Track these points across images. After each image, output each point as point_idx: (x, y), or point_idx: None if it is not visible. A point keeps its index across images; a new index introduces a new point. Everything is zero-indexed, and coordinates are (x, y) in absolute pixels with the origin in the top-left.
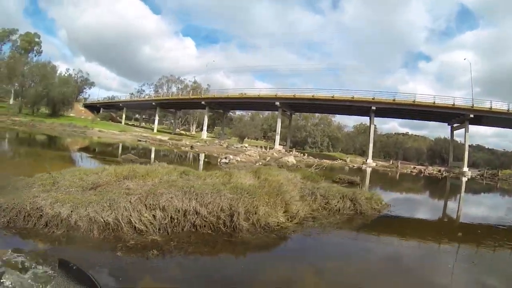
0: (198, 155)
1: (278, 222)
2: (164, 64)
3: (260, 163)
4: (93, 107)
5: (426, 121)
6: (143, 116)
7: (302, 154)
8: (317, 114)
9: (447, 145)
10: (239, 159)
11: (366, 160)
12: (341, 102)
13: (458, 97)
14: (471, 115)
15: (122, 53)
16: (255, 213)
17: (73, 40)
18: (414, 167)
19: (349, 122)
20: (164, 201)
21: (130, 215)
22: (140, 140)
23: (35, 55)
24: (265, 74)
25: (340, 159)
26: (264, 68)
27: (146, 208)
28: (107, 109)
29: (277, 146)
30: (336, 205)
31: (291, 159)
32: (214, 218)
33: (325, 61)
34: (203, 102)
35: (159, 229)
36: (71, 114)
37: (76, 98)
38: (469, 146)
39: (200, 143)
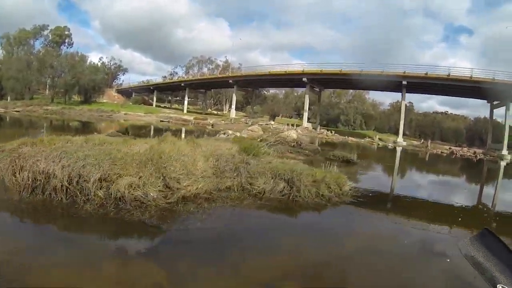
0: (209, 132)
1: (143, 196)
2: (198, 46)
3: (260, 139)
4: (126, 92)
5: (467, 99)
6: (177, 98)
7: (329, 132)
8: (350, 91)
9: (487, 126)
10: (239, 135)
11: (397, 139)
12: (369, 77)
13: (499, 71)
14: None
15: (156, 38)
16: (113, 183)
17: (107, 29)
18: (450, 148)
19: (386, 99)
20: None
21: None
22: (162, 121)
23: (67, 47)
24: (303, 52)
25: (369, 137)
26: (301, 45)
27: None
28: (139, 93)
29: (305, 124)
30: (260, 186)
31: (292, 133)
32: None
33: (363, 36)
34: (230, 81)
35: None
36: (104, 100)
37: (110, 85)
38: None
39: (225, 122)
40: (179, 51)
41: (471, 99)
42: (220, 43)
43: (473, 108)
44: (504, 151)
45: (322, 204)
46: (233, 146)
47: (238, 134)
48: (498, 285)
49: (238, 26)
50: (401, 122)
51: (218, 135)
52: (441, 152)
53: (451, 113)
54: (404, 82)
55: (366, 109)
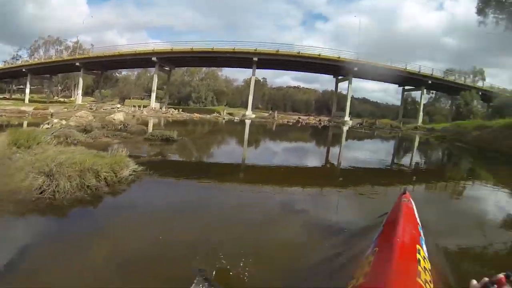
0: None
1: None
2: (52, 25)
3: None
4: None
5: (318, 75)
6: (19, 86)
7: (176, 110)
8: (204, 69)
9: (333, 97)
10: (64, 123)
11: (246, 112)
12: (221, 54)
13: (344, 51)
14: (355, 68)
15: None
16: None
17: None
18: (299, 118)
19: (241, 76)
20: None
21: None
22: None
23: None
24: (161, 32)
25: (217, 113)
26: (160, 25)
27: None
28: None
29: (153, 104)
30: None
31: (119, 116)
32: None
33: (226, 18)
34: (77, 64)
35: None
36: None
37: None
38: (356, 99)
39: (68, 109)
40: (29, 30)
41: (321, 74)
42: (77, 22)
43: (323, 83)
44: (346, 118)
45: (79, 199)
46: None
47: (64, 122)
48: None
49: (97, 3)
50: (250, 96)
51: (42, 125)
52: (288, 121)
53: (303, 87)
54: (255, 59)
55: (219, 85)
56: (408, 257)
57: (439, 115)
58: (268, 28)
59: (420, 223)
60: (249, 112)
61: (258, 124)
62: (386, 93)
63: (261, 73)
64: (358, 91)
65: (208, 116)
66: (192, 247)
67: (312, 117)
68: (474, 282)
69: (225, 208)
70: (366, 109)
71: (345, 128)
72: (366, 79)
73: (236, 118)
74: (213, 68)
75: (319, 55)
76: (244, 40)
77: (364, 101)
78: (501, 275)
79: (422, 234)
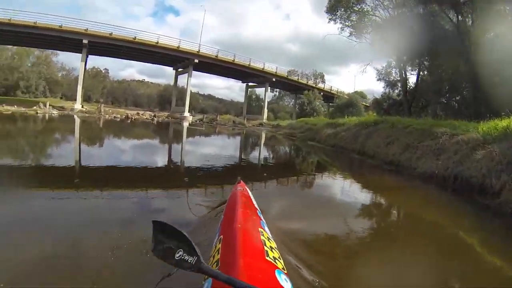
0: None
1: None
2: None
3: None
4: None
5: (164, 68)
6: None
7: None
8: (36, 52)
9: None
10: None
11: (75, 106)
12: (46, 31)
13: (184, 40)
14: (196, 60)
15: None
16: None
17: None
18: (138, 113)
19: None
20: None
21: None
22: None
23: None
24: None
25: (41, 104)
26: None
27: None
28: None
29: None
30: None
31: None
32: None
33: None
34: None
35: None
36: None
37: None
38: (202, 95)
39: None
40: None
41: (167, 67)
42: None
43: (169, 77)
44: (186, 113)
45: None
46: None
47: None
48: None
49: None
50: (78, 86)
51: None
52: (115, 116)
53: (148, 81)
54: (85, 41)
55: (52, 73)
56: (252, 240)
57: (283, 112)
58: (115, 13)
59: (258, 208)
60: (78, 105)
61: (83, 119)
62: (231, 90)
63: (104, 64)
64: (203, 87)
65: (28, 108)
66: None
67: (148, 112)
68: None
69: None
70: (211, 105)
71: (185, 124)
72: (208, 72)
73: (53, 112)
74: (45, 51)
75: (157, 42)
76: (74, 18)
77: (210, 97)
78: None
79: (262, 218)
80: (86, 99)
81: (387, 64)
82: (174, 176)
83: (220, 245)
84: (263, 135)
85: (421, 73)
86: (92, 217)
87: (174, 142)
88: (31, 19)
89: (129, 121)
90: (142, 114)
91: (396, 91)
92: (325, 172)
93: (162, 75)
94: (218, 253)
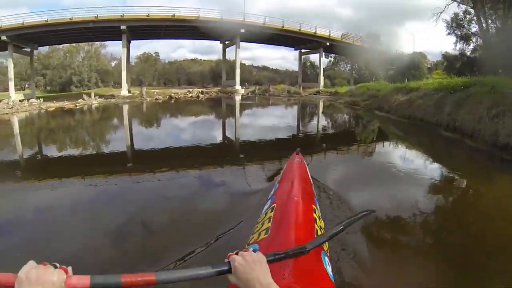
0: None
1: None
2: None
3: None
4: None
5: (215, 45)
6: None
7: (39, 99)
8: (85, 47)
9: (226, 65)
10: None
11: (121, 92)
12: (82, 25)
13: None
14: (242, 30)
15: None
16: None
17: None
18: (187, 92)
19: (134, 52)
20: None
21: None
22: None
23: None
24: None
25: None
26: None
27: None
28: None
29: (13, 94)
30: None
31: None
32: None
33: None
34: None
35: None
36: None
37: None
38: (256, 67)
39: None
40: None
41: (216, 43)
42: None
43: (221, 53)
44: (237, 86)
45: None
46: None
47: None
48: None
49: None
50: (123, 72)
51: None
52: (156, 99)
53: (200, 59)
54: (123, 27)
55: (102, 64)
56: (305, 215)
57: (339, 79)
58: None
59: (313, 183)
60: (124, 92)
61: (107, 109)
62: (285, 60)
63: (153, 47)
64: (257, 60)
65: (66, 103)
66: None
67: (197, 89)
68: None
69: None
70: (266, 76)
71: (237, 98)
72: (257, 42)
73: (94, 103)
74: (95, 44)
75: (198, 17)
76: (107, 5)
77: (264, 68)
78: None
79: (315, 194)
80: (139, 83)
81: (464, 11)
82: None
83: (272, 213)
84: (321, 105)
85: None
86: (163, 194)
87: (212, 128)
88: (67, 16)
89: (172, 102)
90: (189, 92)
91: (470, 46)
92: (408, 163)
93: (214, 51)
94: (269, 221)
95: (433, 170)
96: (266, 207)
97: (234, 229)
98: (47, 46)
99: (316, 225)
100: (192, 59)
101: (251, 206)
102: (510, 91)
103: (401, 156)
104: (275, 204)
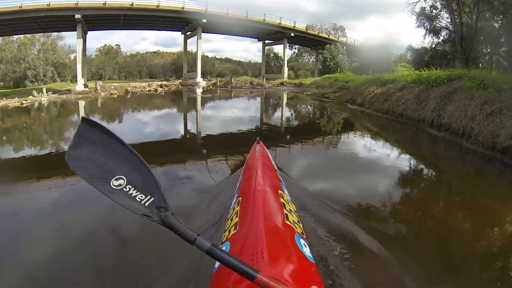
0: None
1: None
2: None
3: None
4: None
5: (177, 36)
6: None
7: None
8: (41, 39)
9: (188, 57)
10: None
11: (75, 87)
12: (32, 13)
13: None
14: (204, 20)
15: None
16: None
17: None
18: (147, 85)
19: (95, 43)
20: None
21: None
22: None
23: None
24: None
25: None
26: None
27: None
28: None
29: None
30: None
31: None
32: None
33: None
34: None
35: None
36: None
37: None
38: (218, 59)
39: None
40: None
41: (176, 34)
42: None
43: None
44: (199, 79)
45: None
46: None
47: None
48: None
49: None
50: (78, 66)
51: None
52: (111, 93)
53: (163, 51)
54: (78, 16)
55: (58, 57)
56: (272, 203)
57: (303, 70)
58: None
59: (278, 170)
60: (79, 86)
61: (62, 106)
62: (248, 51)
63: (114, 39)
64: (220, 52)
65: (12, 101)
66: None
67: (156, 82)
68: None
69: None
70: (229, 68)
71: (198, 91)
72: (219, 33)
73: (43, 99)
74: (52, 35)
75: (158, 6)
76: None
77: (227, 60)
78: None
79: (281, 179)
80: (99, 77)
81: (432, 4)
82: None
83: (238, 207)
84: (285, 97)
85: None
86: None
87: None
88: (16, 4)
89: (128, 96)
90: (148, 85)
91: (439, 39)
92: (395, 163)
93: (177, 43)
94: (237, 215)
95: (423, 172)
96: (233, 201)
97: (208, 229)
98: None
99: (285, 209)
100: (154, 52)
101: (221, 203)
102: (507, 87)
103: (386, 155)
104: (240, 198)
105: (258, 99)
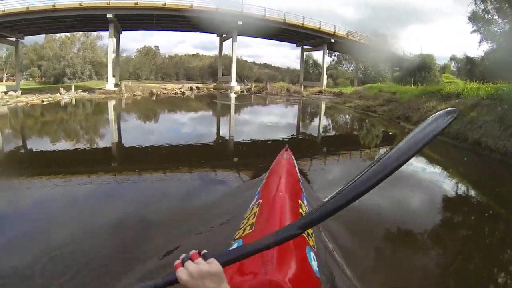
0: None
1: None
2: None
3: None
4: None
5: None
6: None
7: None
8: (81, 38)
9: (225, 61)
10: None
11: (106, 86)
12: (65, 12)
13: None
14: (240, 22)
15: None
16: None
17: None
18: (183, 88)
19: (135, 44)
20: None
21: None
22: None
23: None
24: None
25: (64, 90)
26: None
27: None
28: None
29: None
30: None
31: None
32: None
33: None
34: None
35: None
36: None
37: None
38: (257, 64)
39: None
40: None
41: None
42: None
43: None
44: (233, 83)
45: None
46: None
47: None
48: None
49: None
50: (109, 65)
51: None
52: (134, 95)
53: (202, 54)
54: (110, 15)
55: (97, 56)
56: (291, 211)
57: (342, 78)
58: None
59: (301, 179)
60: (109, 86)
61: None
62: (287, 58)
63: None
64: (260, 57)
65: (37, 97)
66: None
67: (188, 85)
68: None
69: None
70: (268, 74)
71: (232, 95)
72: (256, 36)
73: (65, 98)
74: (92, 35)
75: (191, 6)
76: None
77: (266, 66)
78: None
79: (303, 190)
80: (136, 77)
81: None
82: None
83: (257, 209)
84: (323, 107)
85: None
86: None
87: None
88: (49, 3)
89: (153, 99)
90: (180, 88)
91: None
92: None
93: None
94: (254, 216)
95: None
96: (252, 202)
97: (222, 225)
98: (44, 37)
99: None
100: (193, 54)
101: (241, 203)
102: None
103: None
104: (261, 200)
105: (296, 110)
